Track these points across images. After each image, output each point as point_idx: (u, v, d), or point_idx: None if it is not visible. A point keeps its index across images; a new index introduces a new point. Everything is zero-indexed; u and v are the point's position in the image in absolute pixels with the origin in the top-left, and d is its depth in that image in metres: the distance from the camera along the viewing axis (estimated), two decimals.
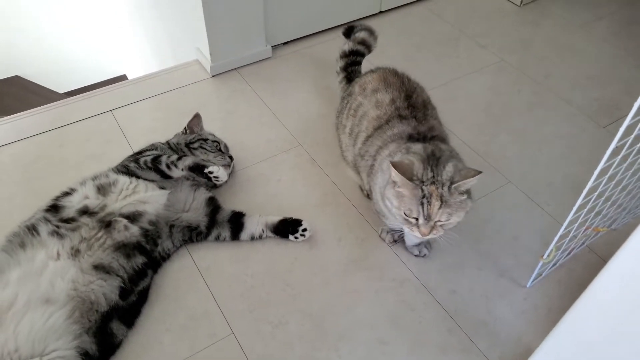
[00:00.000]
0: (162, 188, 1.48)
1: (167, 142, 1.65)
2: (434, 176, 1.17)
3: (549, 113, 2.02)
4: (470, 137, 1.88)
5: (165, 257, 1.47)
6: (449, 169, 1.18)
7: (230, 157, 1.67)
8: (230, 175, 1.70)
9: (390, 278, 1.47)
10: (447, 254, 1.53)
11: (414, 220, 1.20)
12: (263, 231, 1.53)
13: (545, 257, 1.32)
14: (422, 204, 1.17)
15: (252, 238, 1.53)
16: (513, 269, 1.50)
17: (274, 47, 2.26)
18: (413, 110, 1.41)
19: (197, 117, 1.69)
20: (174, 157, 1.51)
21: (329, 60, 2.01)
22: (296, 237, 1.53)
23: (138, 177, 1.47)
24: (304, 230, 1.52)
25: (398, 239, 1.55)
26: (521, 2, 2.61)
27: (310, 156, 1.81)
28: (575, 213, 1.20)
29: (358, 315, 1.38)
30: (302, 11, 2.26)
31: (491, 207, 1.67)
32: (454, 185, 1.16)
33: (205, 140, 1.63)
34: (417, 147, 1.27)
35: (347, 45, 1.81)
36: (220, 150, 1.66)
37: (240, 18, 2.04)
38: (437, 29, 2.43)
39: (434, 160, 1.20)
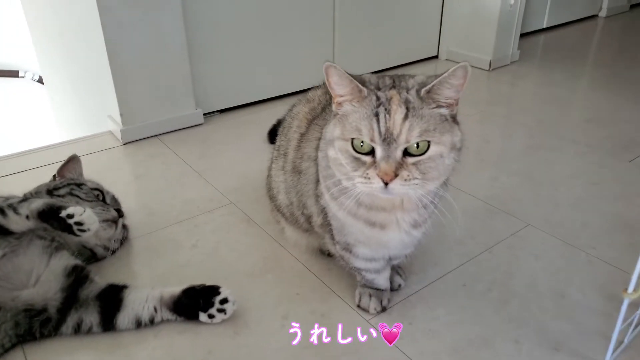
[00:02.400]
0: None
1: (24, 195, 1.10)
2: (393, 82, 0.77)
3: (554, 153, 1.58)
4: (463, 182, 1.39)
5: None
6: (416, 78, 0.78)
7: (119, 211, 1.12)
8: (120, 242, 1.14)
9: None
10: (464, 324, 0.94)
11: (367, 159, 0.73)
12: (156, 310, 0.93)
13: (630, 290, 0.76)
14: (377, 114, 0.72)
15: (139, 323, 0.93)
16: (572, 337, 0.91)
17: (208, 115, 1.85)
18: None
19: (72, 160, 1.18)
20: (15, 199, 0.96)
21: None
22: (211, 316, 0.93)
23: None
24: (224, 301, 0.93)
25: (388, 303, 0.97)
26: (490, 67, 2.34)
27: (246, 214, 1.27)
28: None
29: None
30: (240, 79, 1.91)
31: (511, 255, 1.12)
32: (425, 88, 0.73)
33: (80, 185, 1.10)
34: None
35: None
36: (103, 200, 1.12)
37: (159, 79, 1.66)
38: None
39: (395, 78, 0.79)
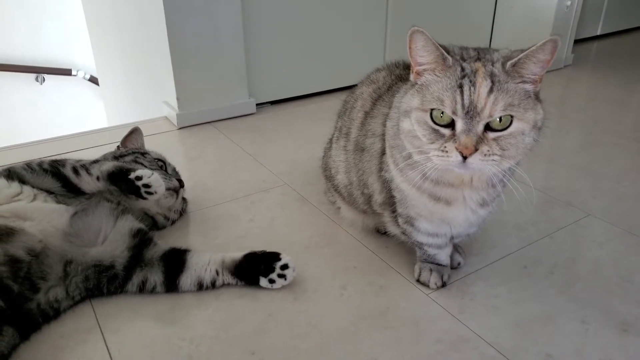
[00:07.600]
0: (63, 205, 0.95)
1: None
2: (478, 54, 0.76)
3: (616, 150, 1.55)
4: (520, 173, 1.37)
5: (50, 312, 0.87)
6: (501, 51, 0.76)
7: (180, 181, 1.15)
8: (180, 213, 1.17)
9: (434, 339, 0.84)
10: (526, 302, 0.92)
11: (446, 131, 0.72)
12: (217, 274, 0.95)
13: None
14: (460, 86, 0.71)
15: (200, 285, 0.94)
16: None
17: (260, 105, 1.89)
18: None
19: (135, 132, 1.22)
20: (87, 160, 1.00)
21: (328, 115, 1.61)
22: (271, 281, 0.94)
23: (24, 182, 0.95)
24: (284, 267, 0.94)
25: (448, 279, 0.96)
26: None
27: (300, 194, 1.29)
28: None
29: None
30: (292, 72, 1.94)
31: (573, 242, 1.10)
32: (511, 62, 0.72)
33: (144, 154, 1.14)
34: None
35: None
36: (165, 170, 1.15)
37: (215, 67, 1.70)
38: None
39: (480, 50, 0.78)
